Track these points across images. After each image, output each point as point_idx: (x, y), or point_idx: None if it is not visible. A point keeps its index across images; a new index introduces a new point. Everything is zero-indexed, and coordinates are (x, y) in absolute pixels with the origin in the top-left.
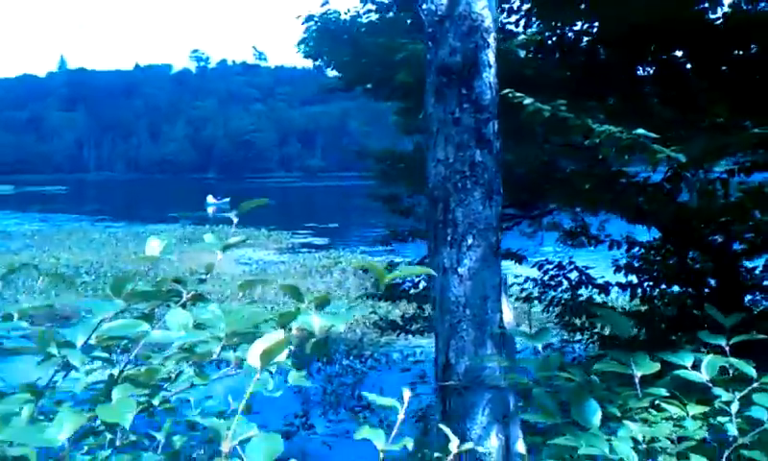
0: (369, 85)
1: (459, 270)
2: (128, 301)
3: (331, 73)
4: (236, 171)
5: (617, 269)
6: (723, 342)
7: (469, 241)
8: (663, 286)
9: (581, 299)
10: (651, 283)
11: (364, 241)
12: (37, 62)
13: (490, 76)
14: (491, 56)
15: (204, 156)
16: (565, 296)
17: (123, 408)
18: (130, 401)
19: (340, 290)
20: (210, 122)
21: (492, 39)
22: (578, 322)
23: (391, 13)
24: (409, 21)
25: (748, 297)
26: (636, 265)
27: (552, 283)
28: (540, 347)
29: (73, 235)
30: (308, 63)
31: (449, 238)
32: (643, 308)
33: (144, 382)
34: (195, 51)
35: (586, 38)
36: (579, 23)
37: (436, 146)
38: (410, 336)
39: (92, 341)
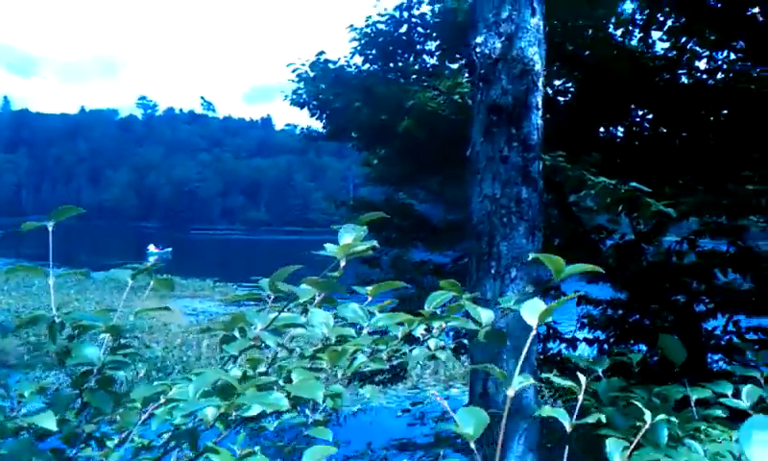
0: (354, 134)
1: None
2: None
3: (313, 123)
4: (178, 221)
5: (582, 326)
6: (757, 374)
7: (513, 274)
8: (631, 341)
9: (551, 352)
10: (615, 340)
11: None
12: None
13: (537, 118)
14: (539, 99)
15: (146, 203)
16: (537, 349)
17: (314, 387)
18: (317, 382)
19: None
20: (154, 170)
21: (540, 84)
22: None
23: (367, 65)
24: (390, 74)
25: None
26: (600, 321)
27: None
28: None
29: (11, 279)
30: (256, 115)
31: (493, 271)
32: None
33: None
34: (142, 98)
35: (562, 99)
36: (557, 82)
37: (482, 182)
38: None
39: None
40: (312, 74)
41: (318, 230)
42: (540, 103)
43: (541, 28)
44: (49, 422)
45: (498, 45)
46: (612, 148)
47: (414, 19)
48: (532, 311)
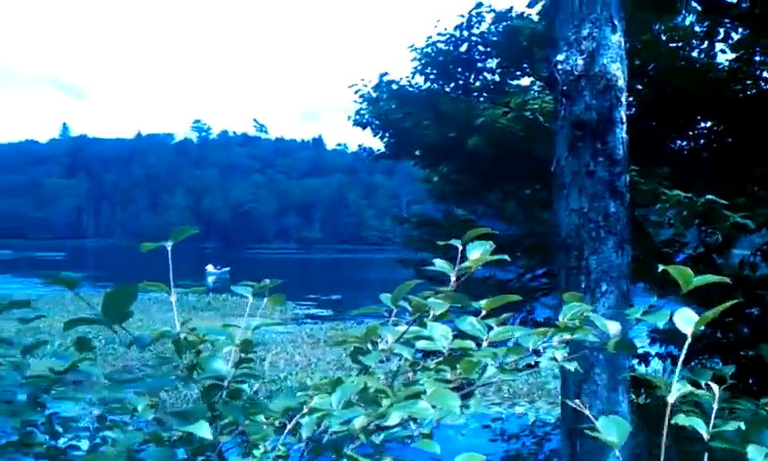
0: (418, 151)
1: None
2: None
3: (368, 142)
4: (235, 241)
5: (653, 341)
6: None
7: (603, 288)
8: (706, 356)
9: None
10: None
11: (368, 313)
12: (40, 129)
13: (622, 132)
14: (623, 113)
15: (203, 225)
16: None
17: (449, 397)
18: (451, 393)
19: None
20: (210, 192)
21: (623, 99)
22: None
23: (428, 84)
24: (452, 93)
25: None
26: (670, 336)
27: None
28: None
29: (76, 301)
30: (307, 135)
31: (583, 285)
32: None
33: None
34: (197, 121)
35: (627, 112)
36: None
37: (569, 196)
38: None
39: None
40: (375, 95)
41: (370, 247)
42: (623, 117)
43: (623, 44)
44: (204, 430)
45: (580, 62)
46: (677, 160)
47: (474, 38)
48: (686, 320)
